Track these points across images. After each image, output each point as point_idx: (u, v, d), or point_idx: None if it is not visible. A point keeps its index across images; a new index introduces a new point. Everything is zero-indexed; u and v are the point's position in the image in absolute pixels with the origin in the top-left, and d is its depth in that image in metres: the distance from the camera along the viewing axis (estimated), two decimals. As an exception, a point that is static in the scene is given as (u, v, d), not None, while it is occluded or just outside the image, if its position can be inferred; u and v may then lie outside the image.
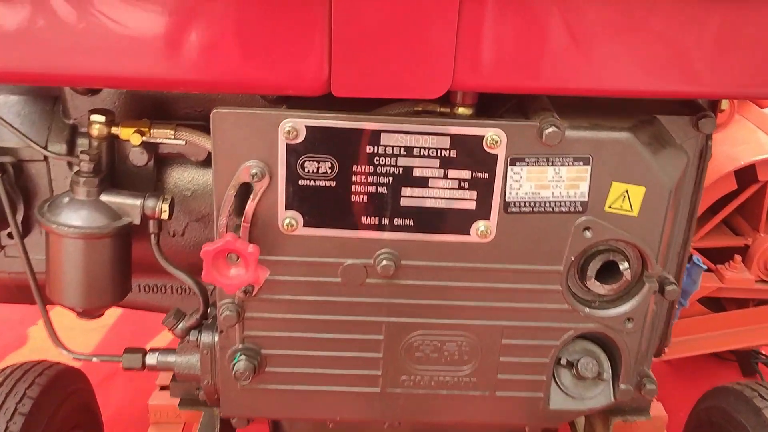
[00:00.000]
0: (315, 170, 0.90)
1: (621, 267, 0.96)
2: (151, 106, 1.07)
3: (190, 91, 1.04)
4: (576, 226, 0.92)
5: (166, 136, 1.00)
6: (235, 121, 0.87)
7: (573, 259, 0.94)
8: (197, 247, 1.07)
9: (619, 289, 0.97)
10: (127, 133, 0.99)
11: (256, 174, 0.89)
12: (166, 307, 1.21)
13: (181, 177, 1.10)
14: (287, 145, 0.88)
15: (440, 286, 0.96)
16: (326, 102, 0.87)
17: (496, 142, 0.88)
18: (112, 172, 1.05)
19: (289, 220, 0.92)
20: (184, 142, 1.00)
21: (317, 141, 0.88)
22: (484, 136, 0.88)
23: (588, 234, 0.93)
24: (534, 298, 0.97)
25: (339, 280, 0.95)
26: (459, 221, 0.92)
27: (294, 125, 0.88)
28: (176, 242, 1.13)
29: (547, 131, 0.87)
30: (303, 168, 0.90)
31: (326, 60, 0.81)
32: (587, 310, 0.98)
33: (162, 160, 1.08)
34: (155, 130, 1.00)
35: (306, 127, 0.88)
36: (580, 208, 0.92)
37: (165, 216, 0.99)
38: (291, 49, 0.81)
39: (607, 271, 0.97)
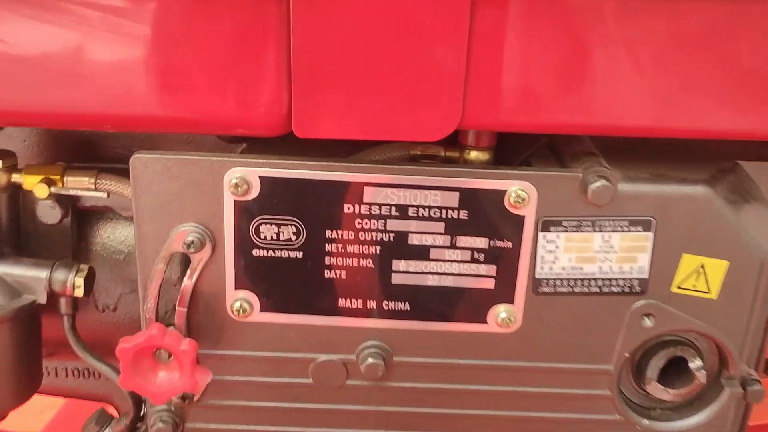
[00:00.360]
0: (274, 236, 0.68)
1: (692, 366, 0.72)
2: (71, 145, 0.83)
3: (114, 130, 0.80)
4: (632, 313, 0.71)
5: (83, 186, 0.76)
6: (164, 169, 0.66)
7: (627, 355, 0.72)
8: (135, 324, 0.86)
9: (689, 395, 0.74)
10: (32, 183, 0.75)
11: (193, 242, 0.67)
12: (100, 395, 0.97)
13: (111, 236, 0.85)
14: (236, 202, 0.67)
15: (446, 390, 0.74)
16: (295, 143, 0.66)
17: (523, 199, 0.66)
18: (15, 232, 0.81)
19: (241, 302, 0.70)
20: (106, 194, 0.76)
21: (277, 197, 0.67)
22: (506, 191, 0.66)
23: (648, 322, 0.71)
24: (574, 406, 0.74)
25: (310, 382, 0.74)
26: (472, 305, 0.70)
27: (244, 176, 0.65)
28: (106, 319, 0.88)
29: (593, 185, 0.65)
30: (258, 234, 0.68)
31: (284, 88, 0.61)
32: (646, 422, 0.75)
33: (84, 214, 0.84)
34: (70, 178, 0.76)
35: (260, 178, 0.66)
36: (638, 289, 0.70)
37: (79, 293, 0.76)
38: (235, 74, 0.61)
39: (672, 368, 0.73)
